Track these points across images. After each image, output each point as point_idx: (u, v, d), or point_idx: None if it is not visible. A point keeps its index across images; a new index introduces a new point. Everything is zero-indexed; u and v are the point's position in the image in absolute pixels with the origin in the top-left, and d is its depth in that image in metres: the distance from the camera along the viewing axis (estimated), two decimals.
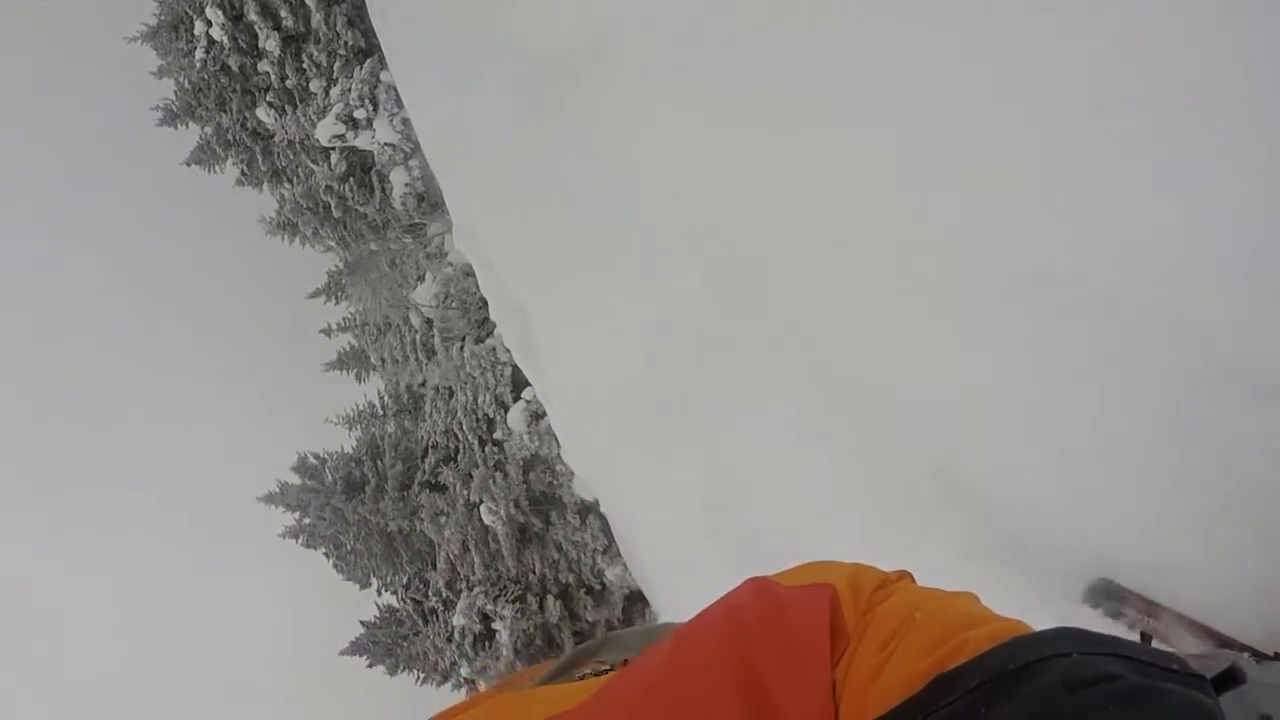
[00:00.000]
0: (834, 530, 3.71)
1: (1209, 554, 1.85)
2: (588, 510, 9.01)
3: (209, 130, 12.50)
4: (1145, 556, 2.00)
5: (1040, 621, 0.68)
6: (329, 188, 10.45)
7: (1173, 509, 1.91)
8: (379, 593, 12.26)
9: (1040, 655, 0.50)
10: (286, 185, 11.77)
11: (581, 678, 0.86)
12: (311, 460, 11.34)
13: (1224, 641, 1.76)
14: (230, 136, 12.33)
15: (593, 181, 5.77)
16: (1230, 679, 0.55)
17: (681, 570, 6.49)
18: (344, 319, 13.38)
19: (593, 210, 5.84)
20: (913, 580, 0.82)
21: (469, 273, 8.75)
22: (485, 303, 8.50)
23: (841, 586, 0.72)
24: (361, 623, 11.96)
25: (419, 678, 11.99)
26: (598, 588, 9.68)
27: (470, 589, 10.24)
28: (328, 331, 13.95)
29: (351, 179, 10.22)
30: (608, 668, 0.85)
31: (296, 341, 15.78)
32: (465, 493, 9.32)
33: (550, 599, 9.62)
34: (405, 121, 8.95)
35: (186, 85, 12.45)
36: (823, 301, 3.68)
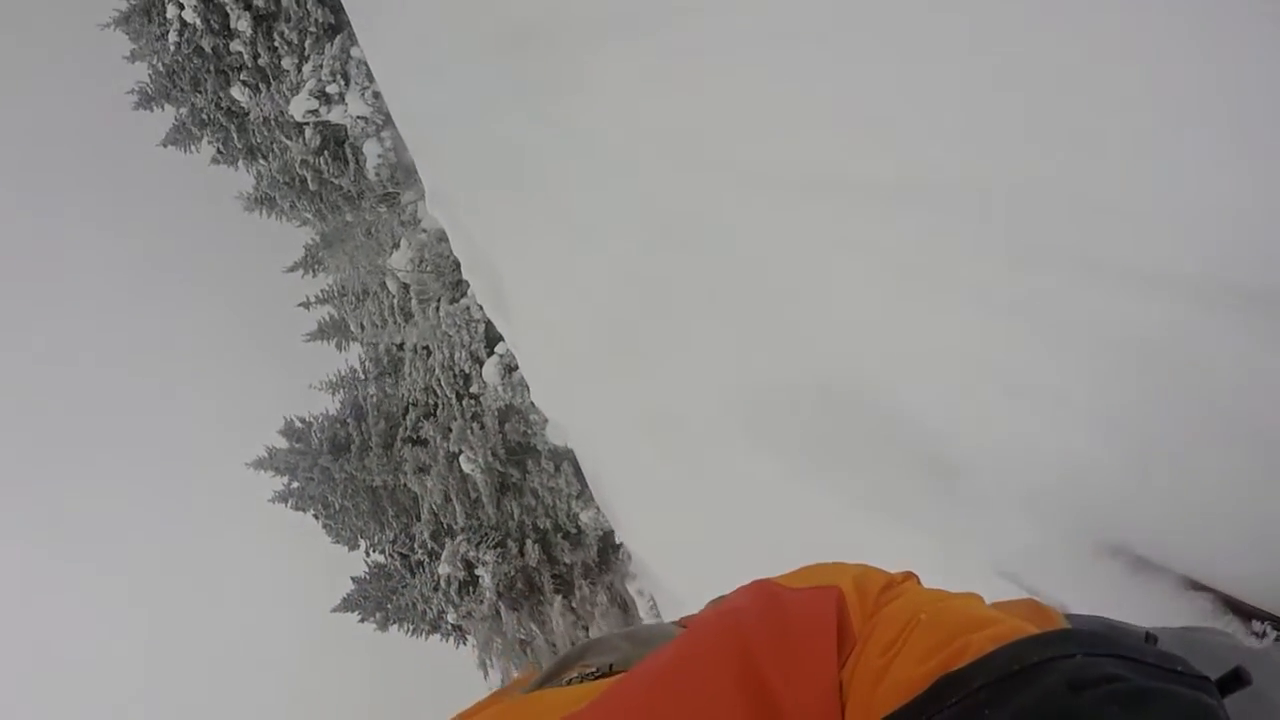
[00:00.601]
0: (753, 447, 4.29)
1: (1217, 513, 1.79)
2: (561, 457, 9.63)
3: (184, 111, 12.88)
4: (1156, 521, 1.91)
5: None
6: (305, 161, 10.91)
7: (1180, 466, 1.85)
8: (366, 553, 12.85)
9: (1044, 656, 0.51)
10: (262, 161, 12.20)
11: (569, 682, 0.85)
12: (297, 424, 11.86)
13: (1248, 612, 1.66)
14: (205, 116, 12.72)
15: (551, 147, 6.32)
16: (1235, 680, 0.53)
17: (641, 498, 7.14)
18: (322, 291, 13.86)
19: (553, 174, 6.39)
20: (918, 582, 0.83)
21: (442, 238, 9.29)
22: (458, 265, 9.04)
23: (847, 588, 0.73)
24: (352, 579, 12.57)
25: (409, 629, 12.67)
26: (574, 531, 10.33)
27: (453, 538, 10.87)
28: (306, 304, 14.45)
29: (326, 152, 10.69)
30: (593, 670, 0.84)
31: (276, 314, 16.25)
32: (445, 445, 9.91)
33: (529, 543, 10.26)
34: (376, 95, 9.43)
35: (160, 68, 12.81)
36: (757, 255, 4.20)
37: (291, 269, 15.06)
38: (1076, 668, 0.49)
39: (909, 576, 0.83)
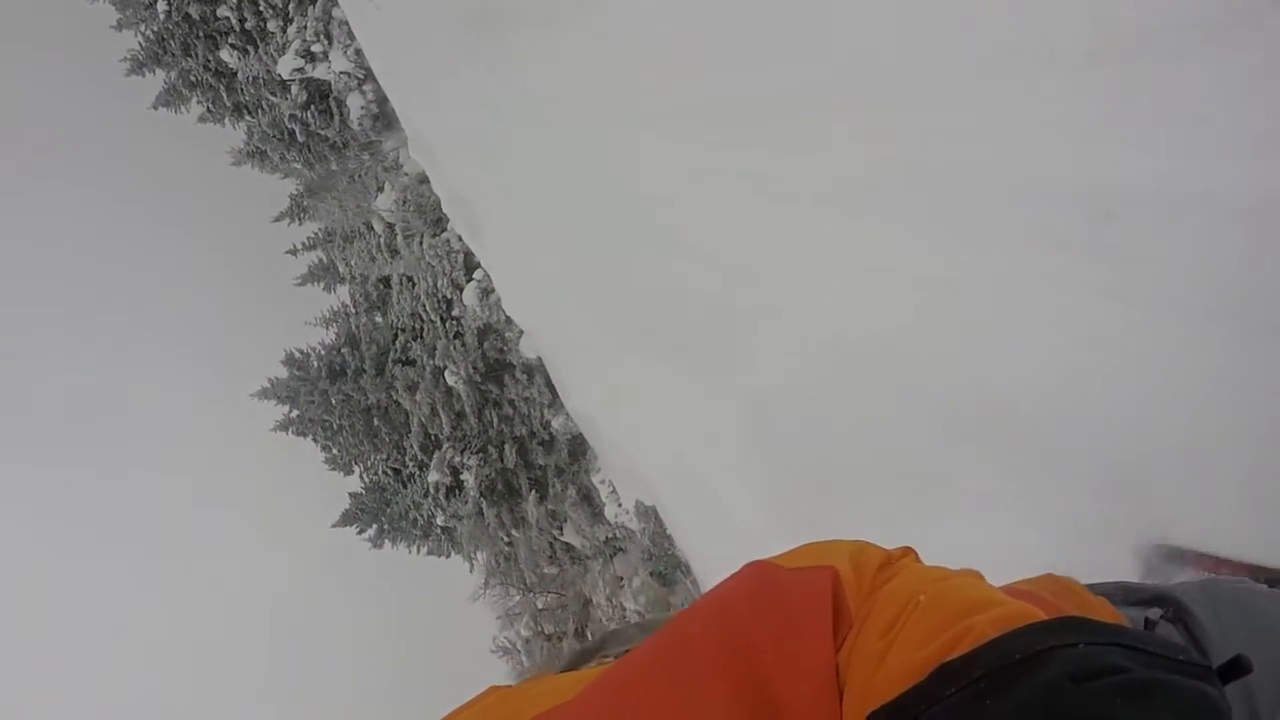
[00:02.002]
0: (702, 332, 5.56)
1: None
2: (534, 371, 11.05)
3: (174, 75, 13.97)
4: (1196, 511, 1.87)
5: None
6: (293, 116, 12.11)
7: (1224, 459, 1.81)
8: (361, 477, 14.24)
9: (1045, 645, 0.50)
10: (250, 117, 13.36)
11: (602, 659, 0.81)
12: (297, 354, 13.18)
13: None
14: (194, 78, 13.83)
15: (516, 89, 7.62)
16: (1236, 668, 0.51)
17: (603, 395, 8.56)
18: (308, 237, 15.10)
19: (518, 115, 7.69)
20: (916, 558, 0.80)
21: (423, 179, 10.60)
22: (439, 202, 10.39)
23: (844, 567, 0.71)
24: (350, 494, 13.99)
25: (403, 542, 14.13)
26: (546, 438, 11.80)
27: (440, 448, 12.31)
28: (294, 251, 15.66)
29: (313, 106, 11.89)
30: (612, 660, 0.78)
31: (266, 262, 17.44)
32: (431, 362, 11.30)
33: (507, 448, 11.72)
34: (358, 52, 10.63)
35: (150, 35, 13.86)
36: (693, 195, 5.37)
37: (278, 219, 16.25)
38: (1078, 657, 0.48)
39: (907, 553, 0.80)
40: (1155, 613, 0.96)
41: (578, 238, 7.01)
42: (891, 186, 2.89)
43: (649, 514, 8.25)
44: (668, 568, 8.18)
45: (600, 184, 6.16)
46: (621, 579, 8.95)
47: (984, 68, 2.36)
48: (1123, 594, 1.00)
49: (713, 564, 7.57)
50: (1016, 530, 2.49)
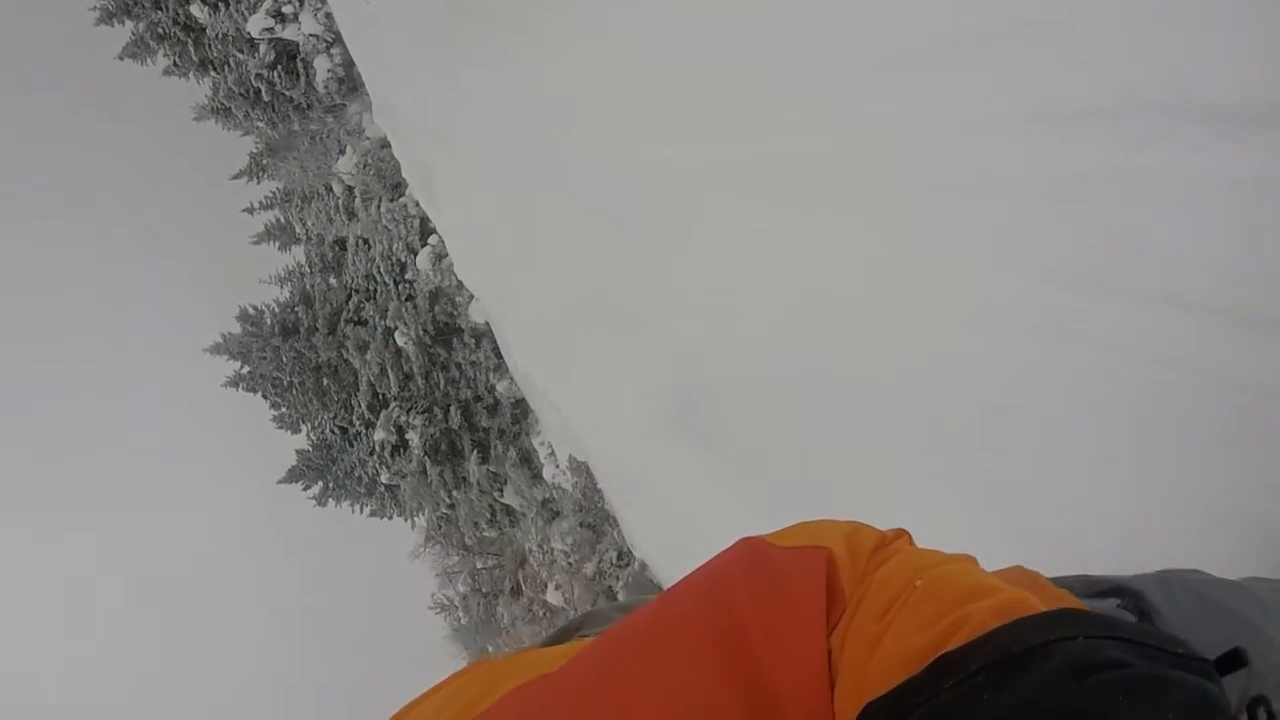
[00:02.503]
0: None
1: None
2: (481, 335, 11.51)
3: (142, 26, 14.09)
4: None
5: None
6: (259, 75, 12.38)
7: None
8: (308, 437, 14.54)
9: (1045, 639, 0.49)
10: (217, 74, 13.57)
11: (581, 637, 0.82)
12: (251, 310, 13.44)
13: None
14: (163, 30, 13.97)
15: (479, 57, 8.07)
16: (1233, 660, 0.52)
17: (546, 357, 9.06)
18: (266, 197, 15.33)
19: (482, 81, 8.14)
20: (910, 540, 0.79)
21: (384, 144, 10.97)
22: (398, 167, 10.78)
23: (838, 549, 0.70)
24: (297, 451, 14.29)
25: (347, 501, 14.48)
26: (491, 401, 12.27)
27: (387, 406, 12.70)
28: (251, 210, 15.86)
29: (279, 66, 12.16)
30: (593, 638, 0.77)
31: (222, 219, 17.59)
32: (383, 323, 11.70)
33: (453, 410, 12.17)
34: (328, 15, 10.94)
35: None
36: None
37: (237, 176, 16.40)
38: (1079, 652, 0.48)
39: (900, 534, 0.79)
40: (1113, 603, 0.97)
41: (532, 210, 7.46)
42: (841, 174, 2.91)
43: (581, 469, 8.79)
44: (596, 520, 8.75)
45: (554, 162, 6.59)
46: (550, 521, 9.48)
47: (935, 53, 2.36)
48: (1083, 586, 1.00)
49: (639, 521, 8.15)
50: (955, 525, 2.48)
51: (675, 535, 7.12)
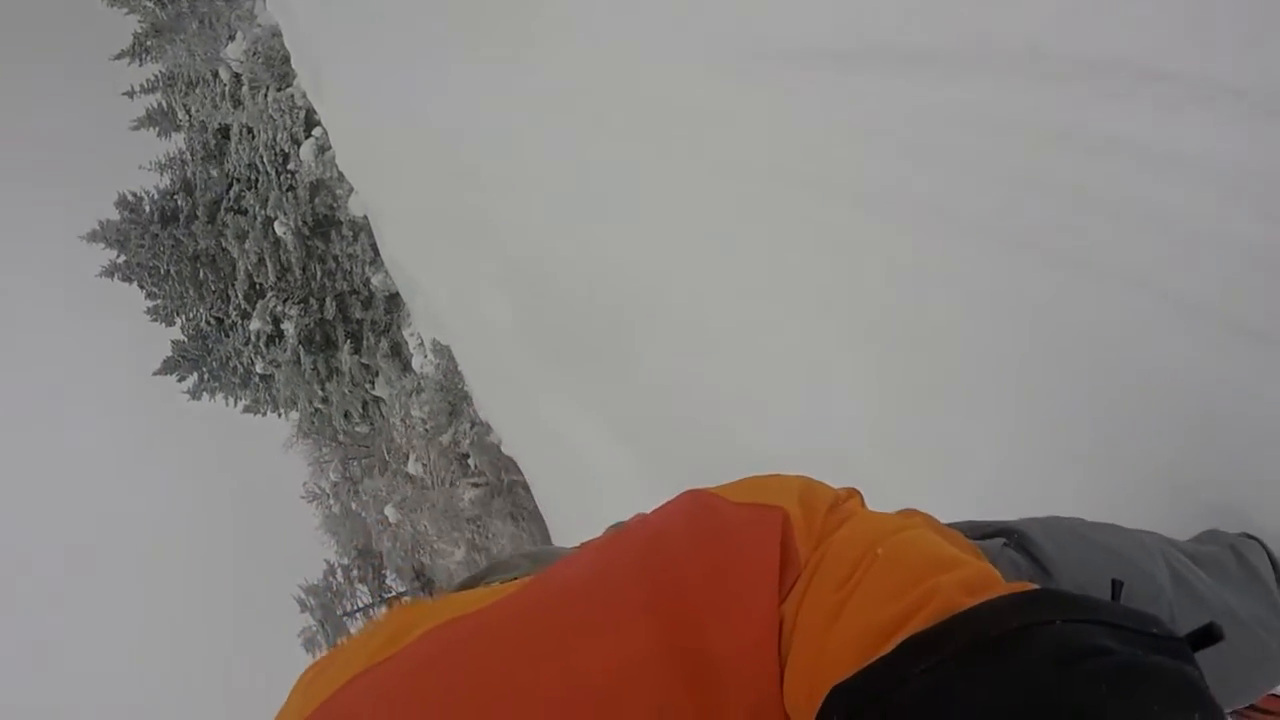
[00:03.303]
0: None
1: None
2: (359, 229, 12.12)
3: None
4: None
5: None
6: None
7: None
8: (183, 330, 14.73)
9: (1022, 622, 0.48)
10: None
11: (488, 584, 0.80)
12: (130, 197, 13.48)
13: None
14: None
15: None
16: (1208, 636, 0.50)
17: (419, 247, 9.81)
18: (148, 80, 15.17)
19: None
20: (863, 501, 0.77)
21: (276, 33, 11.30)
22: (288, 58, 11.19)
23: (793, 508, 0.67)
24: (172, 342, 14.51)
25: (221, 395, 14.85)
26: (366, 294, 12.92)
27: (264, 296, 13.16)
28: (131, 93, 15.64)
29: None
30: (516, 579, 0.76)
31: (101, 102, 17.19)
32: (263, 211, 12.13)
33: (328, 300, 12.77)
34: None
35: None
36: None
37: (118, 56, 16.06)
38: (1058, 637, 0.46)
39: (853, 494, 0.77)
40: (998, 543, 0.98)
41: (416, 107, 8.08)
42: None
43: (444, 351, 9.72)
44: (455, 399, 9.72)
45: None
46: (411, 394, 10.37)
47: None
48: (969, 529, 1.00)
49: (492, 398, 9.12)
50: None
51: (526, 418, 8.01)
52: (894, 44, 2.29)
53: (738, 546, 0.63)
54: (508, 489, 8.39)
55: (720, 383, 3.65)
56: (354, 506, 14.20)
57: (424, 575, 13.15)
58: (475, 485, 9.09)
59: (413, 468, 10.23)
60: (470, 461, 9.10)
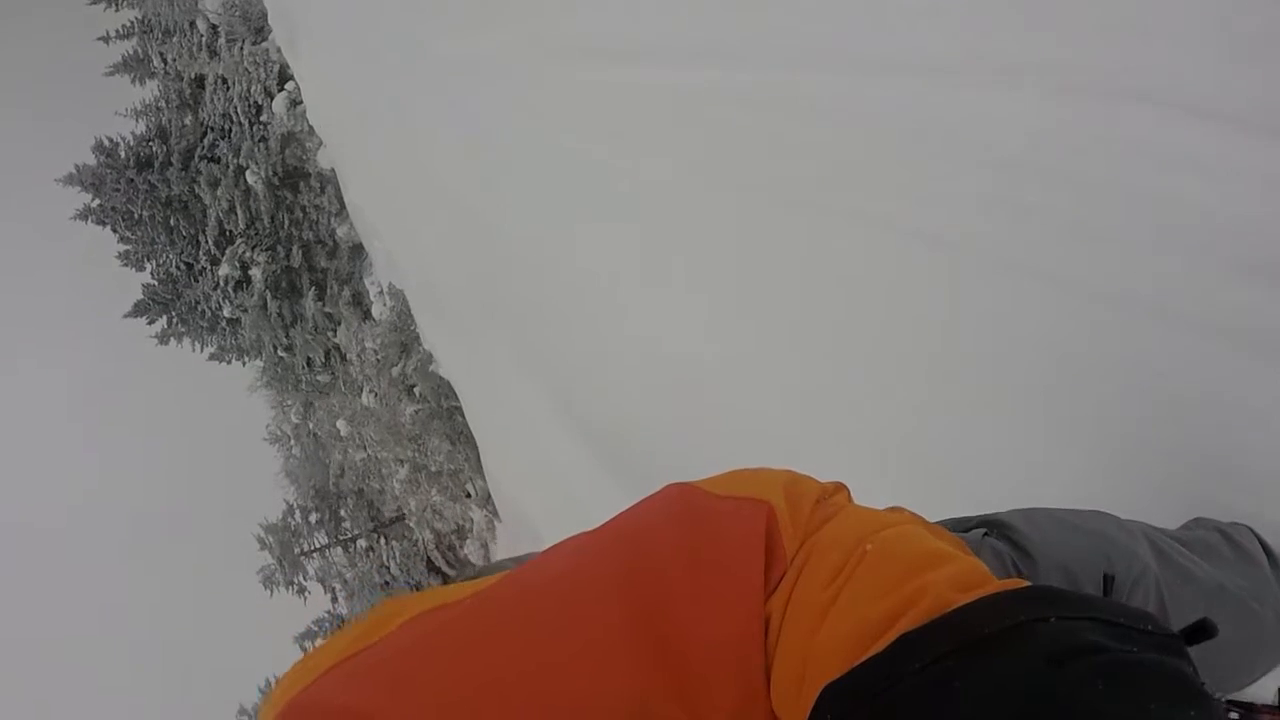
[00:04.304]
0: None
1: None
2: (327, 181, 12.74)
3: None
4: None
5: None
6: None
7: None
8: (153, 275, 15.23)
9: (1015, 620, 0.47)
10: None
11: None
12: (106, 142, 13.94)
13: None
14: None
15: None
16: (1201, 631, 0.50)
17: (380, 196, 10.48)
18: (124, 25, 15.53)
19: None
20: (849, 496, 0.77)
21: None
22: (265, 13, 11.76)
23: (779, 502, 0.67)
24: (143, 285, 15.02)
25: (189, 340, 15.41)
26: (331, 244, 13.58)
27: (233, 243, 13.76)
28: (106, 38, 15.99)
29: None
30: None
31: (74, 48, 17.50)
32: (235, 160, 12.72)
33: (295, 249, 13.41)
34: None
35: None
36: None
37: (94, 1, 16.37)
38: (1052, 635, 0.46)
39: (840, 488, 0.77)
40: (979, 534, 1.00)
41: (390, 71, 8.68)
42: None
43: (399, 295, 10.47)
44: (407, 339, 10.49)
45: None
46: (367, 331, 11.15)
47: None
48: (953, 523, 1.01)
49: (435, 332, 9.79)
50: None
51: (463, 351, 8.74)
52: (902, 55, 2.37)
53: (719, 539, 0.63)
54: (447, 413, 9.22)
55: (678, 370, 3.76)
56: (312, 442, 14.85)
57: (376, 511, 13.98)
58: (415, 403, 9.92)
59: (366, 399, 10.98)
60: (416, 391, 9.90)
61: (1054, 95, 1.93)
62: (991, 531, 1.01)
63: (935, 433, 2.29)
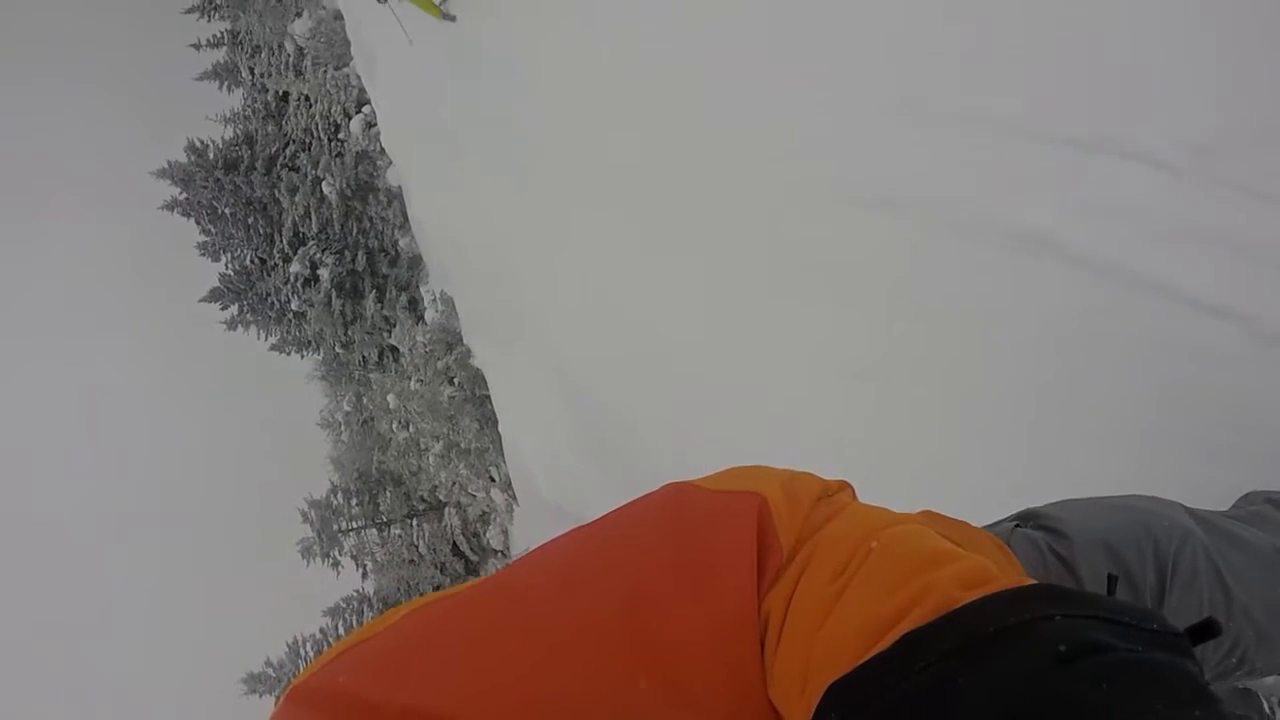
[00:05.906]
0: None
1: None
2: (394, 196, 13.89)
3: None
4: None
5: None
6: None
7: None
8: (227, 266, 16.51)
9: (1021, 618, 0.47)
10: None
11: None
12: (198, 143, 15.24)
13: None
14: None
15: None
16: (1207, 629, 0.50)
17: (441, 214, 11.55)
18: (214, 35, 16.83)
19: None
20: (854, 494, 0.77)
21: (339, 17, 13.02)
22: (348, 43, 12.92)
23: (774, 496, 0.66)
24: (220, 275, 16.31)
25: (256, 329, 16.68)
26: (393, 253, 14.74)
27: (305, 244, 14.99)
28: (198, 46, 17.30)
29: None
30: None
31: (168, 53, 18.89)
32: (313, 172, 13.92)
33: (360, 254, 14.60)
34: None
35: None
36: None
37: (189, 10, 17.69)
38: (1058, 633, 0.45)
39: (844, 486, 0.77)
40: (1009, 526, 1.02)
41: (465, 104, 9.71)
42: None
43: (449, 301, 11.59)
44: (452, 338, 11.64)
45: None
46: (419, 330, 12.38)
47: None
48: (991, 525, 1.02)
49: (475, 332, 10.92)
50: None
51: (497, 349, 9.73)
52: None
53: (709, 532, 0.62)
54: (478, 400, 10.44)
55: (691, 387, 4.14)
56: (361, 431, 16.06)
57: (412, 503, 15.15)
58: (453, 389, 11.19)
59: (414, 386, 12.15)
60: (455, 380, 11.11)
61: None
62: (1024, 523, 1.02)
63: (938, 433, 2.44)
